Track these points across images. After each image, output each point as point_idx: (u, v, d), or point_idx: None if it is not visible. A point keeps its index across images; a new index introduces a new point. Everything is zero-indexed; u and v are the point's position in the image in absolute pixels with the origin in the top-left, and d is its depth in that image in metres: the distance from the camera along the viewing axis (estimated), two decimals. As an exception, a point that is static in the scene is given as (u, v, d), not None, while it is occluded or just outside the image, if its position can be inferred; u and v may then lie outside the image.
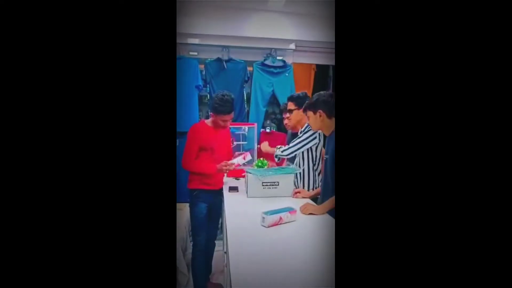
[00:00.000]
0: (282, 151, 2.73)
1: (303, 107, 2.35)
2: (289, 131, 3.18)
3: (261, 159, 2.71)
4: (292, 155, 2.70)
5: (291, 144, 2.68)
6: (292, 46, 4.07)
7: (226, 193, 2.62)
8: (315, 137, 2.60)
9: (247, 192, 2.46)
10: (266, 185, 2.43)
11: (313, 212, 2.04)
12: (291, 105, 2.86)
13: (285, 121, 3.09)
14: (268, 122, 4.10)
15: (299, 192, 2.47)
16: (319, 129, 2.29)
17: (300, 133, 2.73)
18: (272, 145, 3.59)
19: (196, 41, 3.84)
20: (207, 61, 3.89)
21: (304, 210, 2.06)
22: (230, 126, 3.19)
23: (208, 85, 3.91)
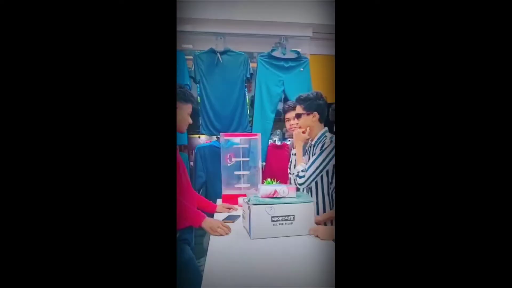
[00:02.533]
0: (300, 178, 2.36)
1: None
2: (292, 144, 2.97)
3: (269, 179, 2.30)
4: (314, 180, 2.33)
5: (313, 165, 2.30)
6: (309, 32, 3.61)
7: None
8: (334, 156, 2.23)
9: (249, 233, 1.94)
10: (277, 220, 1.93)
11: (318, 235, 1.91)
12: (299, 109, 2.53)
13: (289, 127, 2.92)
14: (278, 132, 3.69)
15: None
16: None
17: (310, 147, 2.48)
18: (283, 161, 3.30)
19: (187, 27, 3.42)
20: (196, 54, 3.48)
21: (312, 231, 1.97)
22: (227, 138, 2.88)
23: (198, 85, 3.51)
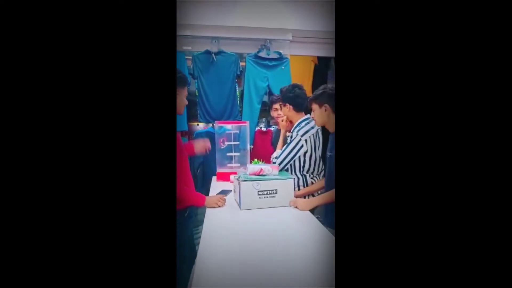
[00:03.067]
0: (275, 163, 2.31)
1: (309, 99, 2.05)
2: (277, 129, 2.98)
3: (256, 160, 2.22)
4: (286, 167, 2.31)
5: (281, 155, 2.28)
6: (289, 36, 3.49)
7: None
8: (302, 145, 2.24)
9: (239, 204, 1.92)
10: (262, 194, 1.91)
11: (297, 205, 1.90)
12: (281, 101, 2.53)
13: (276, 116, 2.84)
14: (263, 120, 3.62)
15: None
16: (323, 124, 2.00)
17: (292, 132, 2.38)
18: (267, 145, 3.22)
19: (186, 32, 3.29)
20: (194, 54, 3.37)
21: (291, 202, 1.96)
22: (221, 125, 2.79)
23: (196, 80, 3.39)
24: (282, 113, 2.50)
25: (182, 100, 1.94)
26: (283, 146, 2.42)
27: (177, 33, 3.17)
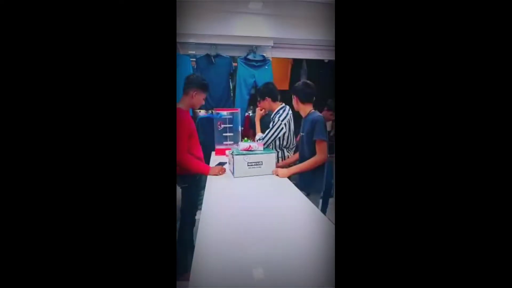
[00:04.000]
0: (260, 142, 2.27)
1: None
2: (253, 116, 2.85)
3: (246, 139, 2.16)
4: (268, 144, 2.27)
5: (266, 137, 2.26)
6: (271, 43, 3.39)
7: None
8: (282, 128, 2.22)
9: (233, 173, 1.86)
10: (251, 165, 1.85)
11: (278, 174, 1.82)
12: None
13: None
14: (251, 107, 3.52)
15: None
16: (297, 110, 1.99)
17: (273, 118, 2.30)
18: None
19: (191, 39, 3.19)
20: (197, 57, 3.26)
21: (273, 171, 1.89)
22: (218, 112, 2.66)
23: None
24: (262, 105, 2.43)
25: (200, 100, 1.98)
26: (260, 127, 2.43)
27: (183, 41, 3.17)
